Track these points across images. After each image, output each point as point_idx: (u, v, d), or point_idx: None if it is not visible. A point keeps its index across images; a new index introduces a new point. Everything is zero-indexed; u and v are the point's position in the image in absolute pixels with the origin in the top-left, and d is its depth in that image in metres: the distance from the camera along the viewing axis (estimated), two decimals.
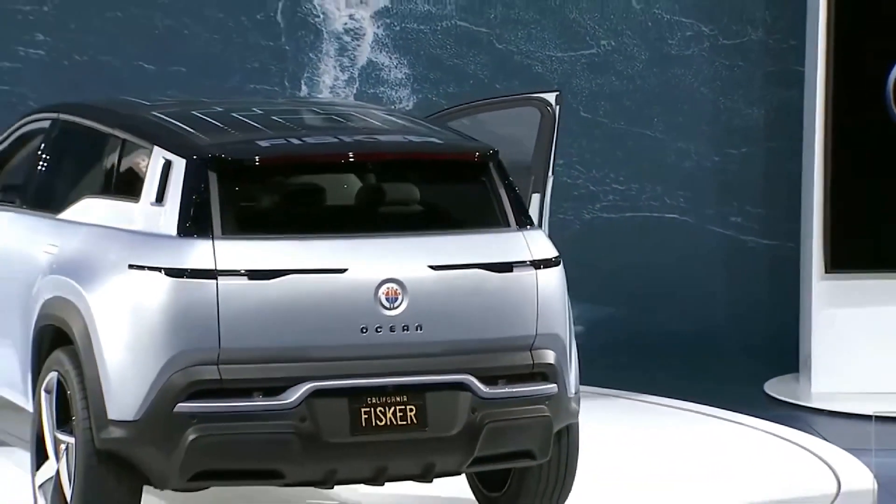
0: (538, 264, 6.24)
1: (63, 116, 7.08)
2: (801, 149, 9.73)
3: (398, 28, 10.64)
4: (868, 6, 9.40)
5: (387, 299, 6.01)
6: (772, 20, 10.73)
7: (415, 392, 6.03)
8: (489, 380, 6.12)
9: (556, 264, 6.30)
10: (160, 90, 10.13)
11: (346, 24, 10.61)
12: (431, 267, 6.09)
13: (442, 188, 6.45)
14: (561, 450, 6.43)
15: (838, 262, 9.42)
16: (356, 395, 5.99)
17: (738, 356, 10.24)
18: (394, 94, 10.64)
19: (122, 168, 6.47)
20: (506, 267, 6.18)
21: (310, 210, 6.27)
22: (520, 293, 6.19)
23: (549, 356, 6.21)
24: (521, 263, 6.21)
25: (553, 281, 6.27)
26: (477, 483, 6.69)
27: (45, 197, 6.98)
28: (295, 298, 5.95)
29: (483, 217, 6.33)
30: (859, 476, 7.42)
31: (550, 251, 6.29)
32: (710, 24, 10.79)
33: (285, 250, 6.01)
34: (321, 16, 10.61)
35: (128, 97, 7.43)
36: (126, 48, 10.37)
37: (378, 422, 5.99)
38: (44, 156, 7.15)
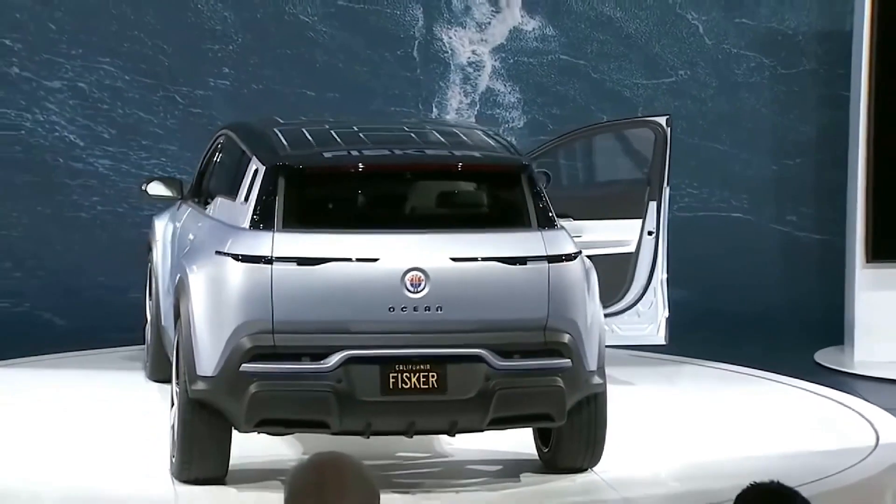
0: (552, 259, 6.14)
1: (227, 132, 7.28)
2: (846, 160, 9.63)
3: (512, 61, 10.67)
4: None
5: (411, 284, 6.03)
6: (822, 53, 10.65)
7: (436, 362, 6.03)
8: (504, 354, 6.07)
9: (572, 259, 6.19)
10: (318, 112, 10.21)
11: (469, 58, 10.66)
12: (453, 259, 6.09)
13: (474, 194, 6.43)
14: (589, 416, 6.33)
15: (877, 253, 9.34)
16: (386, 363, 6.01)
17: (792, 331, 10.12)
18: (507, 115, 10.65)
19: (238, 173, 6.60)
20: (520, 260, 6.12)
21: (353, 209, 6.32)
22: (532, 282, 6.11)
23: (563, 336, 6.11)
24: (535, 258, 6.13)
25: (567, 273, 6.16)
26: (538, 442, 6.62)
27: (205, 196, 7.20)
28: (335, 281, 6.02)
29: (508, 219, 6.28)
30: (895, 431, 7.36)
31: (566, 249, 6.19)
32: (771, 56, 10.73)
33: (329, 242, 6.08)
34: (449, 51, 10.68)
35: (277, 116, 7.50)
36: (293, 79, 10.46)
37: (404, 385, 6.00)
38: (213, 163, 7.38)
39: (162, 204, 8.30)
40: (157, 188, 7.91)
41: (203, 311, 6.11)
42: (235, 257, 6.09)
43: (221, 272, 6.11)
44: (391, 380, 6.01)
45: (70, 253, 10.38)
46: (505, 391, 6.04)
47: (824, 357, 9.50)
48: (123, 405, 7.77)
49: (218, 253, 6.16)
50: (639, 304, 8.07)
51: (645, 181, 8.01)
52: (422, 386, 6.02)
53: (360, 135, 6.66)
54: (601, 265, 7.83)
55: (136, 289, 9.33)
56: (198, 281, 6.19)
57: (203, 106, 10.43)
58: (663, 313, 8.07)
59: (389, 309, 6.03)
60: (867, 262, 9.38)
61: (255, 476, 6.44)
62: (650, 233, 8.01)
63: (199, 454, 6.22)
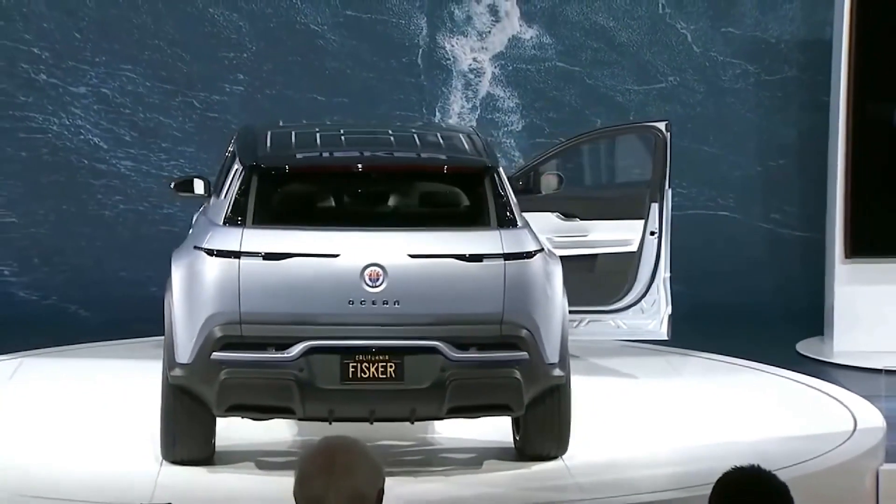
0: (508, 257, 6.08)
1: (236, 134, 7.25)
2: (826, 161, 9.65)
3: (511, 68, 10.68)
4: (880, 53, 9.33)
5: (370, 279, 6.01)
6: (804, 61, 10.65)
7: (394, 352, 6.00)
8: (461, 346, 6.02)
9: (529, 257, 6.12)
10: (327, 116, 10.22)
11: (470, 64, 10.67)
12: (411, 255, 6.05)
13: (435, 194, 6.39)
14: (552, 407, 6.26)
15: (856, 250, 9.36)
16: (346, 353, 6.00)
17: (775, 323, 10.12)
18: (506, 118, 10.66)
19: (227, 173, 6.63)
20: (476, 258, 6.07)
21: (318, 207, 6.30)
22: (488, 279, 6.06)
23: (520, 330, 6.05)
24: (491, 255, 6.07)
25: (525, 270, 6.09)
26: (514, 431, 6.55)
27: (211, 195, 7.13)
28: (297, 275, 6.02)
29: (468, 218, 6.23)
30: (872, 417, 7.35)
31: (525, 247, 6.12)
32: (755, 63, 10.74)
33: (293, 238, 6.08)
34: (451, 59, 10.70)
35: (280, 120, 7.42)
36: (304, 84, 10.47)
37: (363, 374, 5.99)
38: (223, 163, 7.36)
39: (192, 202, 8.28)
40: (188, 187, 7.91)
41: (181, 302, 6.15)
42: (209, 252, 6.11)
43: (196, 266, 6.14)
44: (350, 369, 6.00)
45: (94, 249, 10.42)
46: (460, 381, 6.01)
47: (805, 347, 9.51)
48: (140, 390, 7.81)
49: (196, 248, 6.21)
50: (643, 301, 8.06)
51: (647, 183, 8.03)
52: (380, 375, 6.00)
53: (342, 137, 6.66)
54: (606, 263, 7.86)
55: (155, 282, 9.33)
56: (178, 274, 6.23)
57: (219, 110, 10.45)
58: (666, 310, 8.06)
59: (349, 302, 6.02)
60: (846, 257, 9.39)
61: (240, 458, 6.48)
62: (652, 233, 8.02)
63: (182, 437, 6.25)
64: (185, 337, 6.09)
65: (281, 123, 7.21)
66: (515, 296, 6.07)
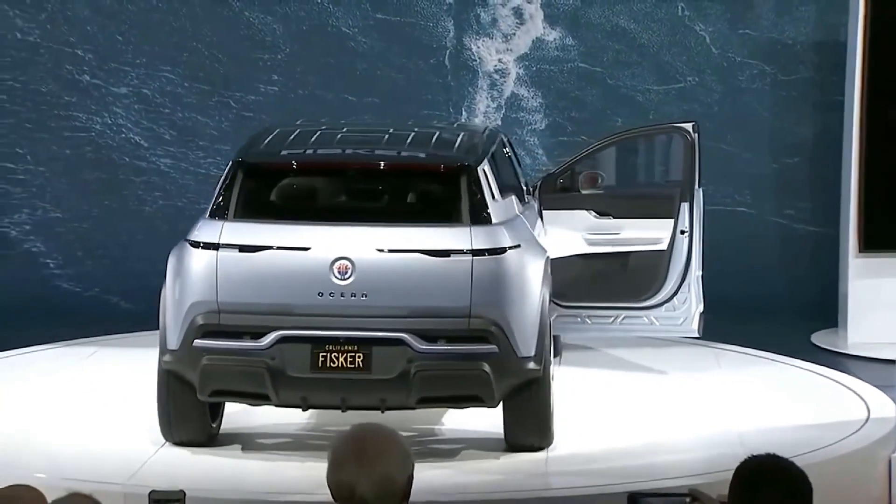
0: (477, 252, 6.03)
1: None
2: (840, 159, 9.60)
3: (535, 68, 10.66)
4: (893, 54, 9.27)
5: (339, 272, 6.01)
6: (819, 61, 10.58)
7: (362, 343, 6.00)
8: (429, 338, 5.99)
9: (499, 254, 6.06)
10: (358, 115, 10.26)
11: (495, 65, 10.66)
12: (379, 250, 6.04)
13: (408, 191, 6.36)
14: (530, 400, 6.19)
15: (868, 244, 9.33)
16: (316, 343, 6.01)
17: (791, 315, 10.07)
18: (530, 118, 10.63)
19: None
20: (443, 253, 6.03)
21: (292, 202, 6.31)
22: (455, 273, 6.02)
23: (488, 323, 5.99)
24: (459, 251, 6.03)
25: (495, 266, 6.03)
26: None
27: None
28: (270, 267, 6.04)
29: (441, 215, 6.19)
30: (885, 406, 7.32)
31: (496, 244, 6.07)
32: (772, 64, 10.68)
33: (267, 231, 6.10)
34: (477, 60, 10.69)
35: (300, 119, 7.42)
36: (335, 85, 10.48)
37: (332, 364, 6.00)
38: None
39: None
40: None
41: (170, 291, 6.22)
42: (194, 244, 6.17)
43: (183, 257, 6.21)
44: (320, 358, 6.02)
45: (134, 243, 10.48)
46: (426, 373, 5.98)
47: (820, 338, 9.48)
48: None
49: (185, 240, 6.28)
50: (675, 299, 7.97)
51: (676, 184, 8.00)
52: (348, 365, 6.00)
53: (337, 136, 6.64)
54: (639, 260, 7.84)
55: None
56: (170, 265, 6.30)
57: (254, 110, 10.46)
58: (697, 307, 7.99)
59: (319, 294, 6.03)
60: (859, 251, 9.35)
61: (241, 440, 6.49)
62: (682, 231, 7.98)
63: (177, 420, 6.30)
64: (173, 324, 6.15)
65: (298, 122, 7.21)
66: (484, 291, 6.01)
